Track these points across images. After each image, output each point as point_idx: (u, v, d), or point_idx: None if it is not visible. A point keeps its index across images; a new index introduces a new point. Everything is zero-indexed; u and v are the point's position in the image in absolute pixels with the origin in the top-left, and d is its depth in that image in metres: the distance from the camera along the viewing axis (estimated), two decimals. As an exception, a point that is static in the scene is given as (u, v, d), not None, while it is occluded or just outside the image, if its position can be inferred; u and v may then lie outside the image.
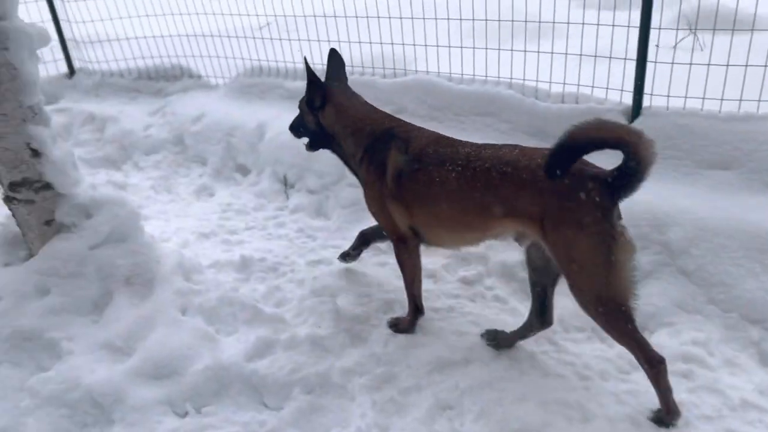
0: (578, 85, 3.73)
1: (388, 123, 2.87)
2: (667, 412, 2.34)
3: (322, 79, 2.98)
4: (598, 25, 3.58)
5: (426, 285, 3.20)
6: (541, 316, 2.66)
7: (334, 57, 3.07)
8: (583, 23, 3.61)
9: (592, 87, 3.70)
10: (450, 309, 3.05)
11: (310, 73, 2.90)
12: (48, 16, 5.90)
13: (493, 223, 2.47)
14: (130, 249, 3.04)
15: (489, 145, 2.58)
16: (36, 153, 2.87)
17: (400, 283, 3.23)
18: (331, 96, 2.94)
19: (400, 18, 4.36)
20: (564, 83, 3.77)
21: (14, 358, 2.72)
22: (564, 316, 2.93)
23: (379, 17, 4.47)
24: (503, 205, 2.40)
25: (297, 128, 3.15)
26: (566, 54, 3.73)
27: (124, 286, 2.97)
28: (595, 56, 3.63)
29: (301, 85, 4.72)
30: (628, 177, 2.14)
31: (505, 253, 3.31)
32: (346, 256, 3.35)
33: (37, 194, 2.93)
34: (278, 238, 3.75)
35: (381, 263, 3.45)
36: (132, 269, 3.01)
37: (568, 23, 3.70)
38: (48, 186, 2.93)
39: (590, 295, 2.30)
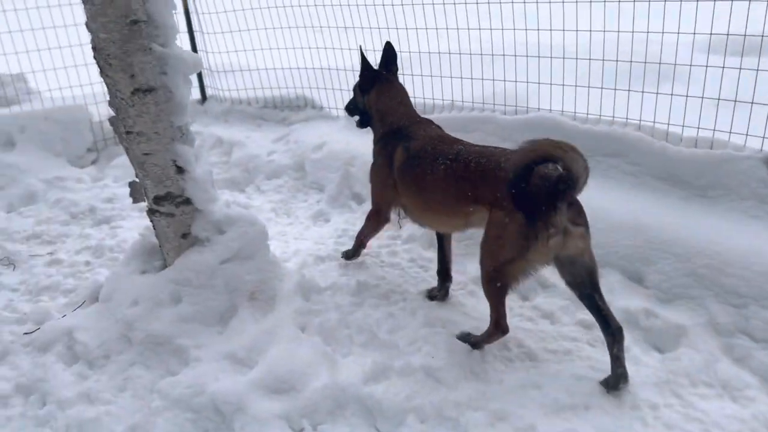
0: (714, 130, 3.57)
1: (406, 121, 3.36)
2: (470, 340, 2.93)
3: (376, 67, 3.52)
4: (740, 69, 3.42)
5: (543, 326, 3.15)
6: (605, 324, 2.74)
7: (389, 50, 3.57)
8: (723, 67, 3.47)
9: (730, 133, 3.53)
10: (567, 352, 2.95)
11: (364, 62, 3.49)
12: (188, 46, 6.39)
13: (473, 208, 2.89)
14: (256, 266, 3.19)
15: (473, 145, 3.10)
16: (180, 170, 3.08)
17: (512, 320, 3.19)
18: (377, 83, 3.49)
19: (526, 56, 4.37)
20: (698, 128, 3.61)
21: (147, 360, 2.90)
22: (690, 370, 2.77)
23: (504, 55, 4.50)
24: (473, 193, 2.85)
25: (350, 108, 3.77)
26: (702, 98, 3.59)
27: (248, 301, 3.10)
28: (735, 101, 3.46)
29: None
30: (563, 185, 2.49)
31: (628, 299, 3.19)
32: (433, 297, 3.38)
33: (178, 208, 3.13)
34: (391, 266, 3.79)
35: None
36: (257, 285, 3.15)
37: (706, 66, 3.56)
38: (188, 201, 3.13)
39: (489, 263, 2.78)
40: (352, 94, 4.03)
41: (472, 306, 3.33)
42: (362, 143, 4.93)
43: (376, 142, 3.50)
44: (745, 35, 3.38)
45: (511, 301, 3.35)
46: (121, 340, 3.00)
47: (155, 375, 2.83)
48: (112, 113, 3.04)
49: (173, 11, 2.96)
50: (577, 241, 2.66)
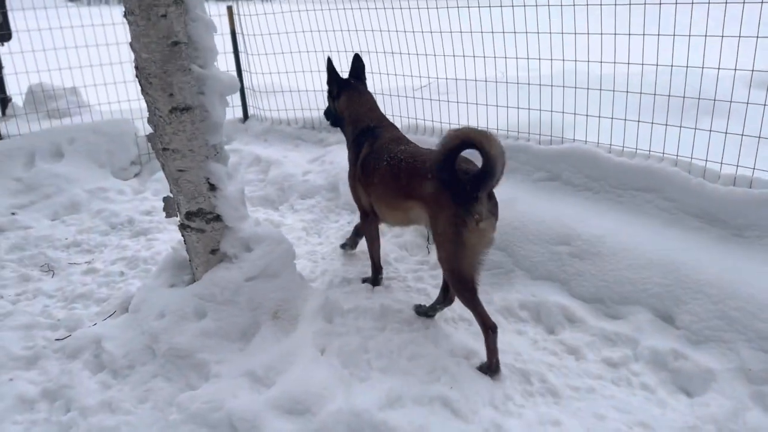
0: (754, 168, 3.47)
1: (374, 123, 3.60)
2: (488, 367, 2.96)
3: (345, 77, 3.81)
4: (782, 106, 3.33)
5: (567, 361, 3.08)
6: (444, 292, 3.26)
7: (357, 61, 3.84)
8: (765, 104, 3.38)
9: (770, 172, 3.43)
10: (591, 389, 2.88)
11: (330, 70, 3.79)
12: (233, 66, 6.56)
13: (409, 204, 3.14)
14: (281, 284, 3.22)
15: (418, 147, 3.35)
16: (213, 187, 3.15)
17: (536, 353, 3.14)
18: (345, 90, 3.76)
19: (563, 86, 4.34)
20: (737, 165, 3.52)
21: (168, 373, 2.95)
22: (718, 417, 2.67)
23: (540, 85, 4.49)
24: (413, 190, 3.07)
25: (326, 113, 4.03)
26: (742, 135, 3.50)
27: (271, 319, 3.13)
28: (776, 139, 3.38)
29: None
30: (484, 173, 2.72)
31: (657, 339, 3.10)
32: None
33: (208, 224, 3.20)
34: (417, 291, 3.78)
35: (518, 331, 3.37)
36: (280, 304, 3.18)
37: (747, 103, 3.48)
38: (218, 218, 3.19)
39: (445, 265, 3.00)
40: (406, 123, 4.22)
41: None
42: (396, 167, 4.96)
43: (349, 146, 3.74)
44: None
45: (536, 334, 3.32)
46: (145, 351, 3.06)
47: (175, 388, 2.87)
48: (151, 130, 3.14)
49: (214, 34, 3.05)
50: (493, 230, 2.95)
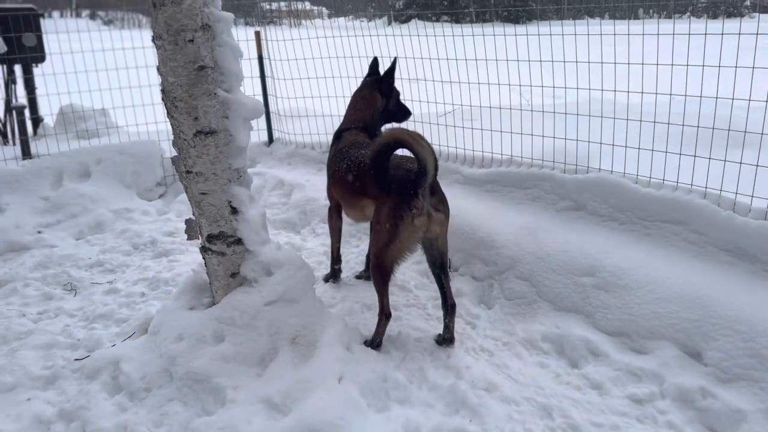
0: (786, 202, 3.38)
1: (347, 125, 3.94)
2: (371, 342, 3.30)
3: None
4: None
5: (590, 397, 3.00)
6: (443, 299, 3.40)
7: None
8: (797, 136, 3.31)
9: (803, 206, 3.34)
10: (614, 427, 2.79)
11: (373, 65, 4.09)
12: (260, 90, 6.64)
13: (363, 201, 3.44)
14: (300, 310, 3.20)
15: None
16: (234, 211, 3.16)
17: (558, 387, 3.06)
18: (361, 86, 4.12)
19: (589, 115, 4.31)
20: (768, 198, 3.44)
21: (185, 397, 2.92)
22: None
23: (566, 113, 4.46)
24: (364, 189, 3.37)
25: None
26: (773, 167, 3.42)
27: (289, 345, 3.10)
28: (809, 173, 3.29)
29: (477, 171, 4.81)
30: (418, 171, 3.01)
31: (683, 376, 3.00)
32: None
33: (229, 248, 3.20)
34: (437, 320, 3.72)
35: (541, 364, 3.29)
36: (299, 330, 3.15)
37: (778, 135, 3.41)
38: (239, 241, 3.19)
39: (374, 250, 3.29)
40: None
41: (517, 369, 3.22)
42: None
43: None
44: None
45: (559, 368, 3.23)
46: (163, 374, 3.05)
47: (191, 413, 2.84)
48: (176, 153, 3.16)
49: (240, 59, 3.09)
50: (437, 225, 3.19)
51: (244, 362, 3.00)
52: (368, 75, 4.11)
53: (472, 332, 3.58)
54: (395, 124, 4.05)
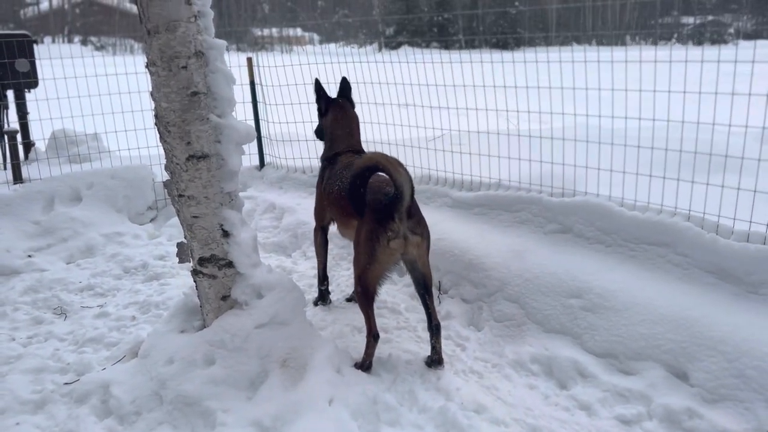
0: (767, 225, 3.45)
1: (343, 149, 3.98)
2: (362, 365, 3.33)
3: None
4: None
5: (578, 417, 3.02)
6: (429, 320, 3.43)
7: (345, 83, 4.19)
8: (776, 160, 3.40)
9: (784, 228, 3.41)
10: (603, 448, 2.82)
11: (318, 88, 4.19)
12: (251, 115, 6.72)
13: (353, 222, 3.48)
14: (290, 332, 3.21)
15: None
16: (226, 234, 3.19)
17: (547, 408, 3.08)
18: (331, 107, 4.13)
19: (575, 140, 4.40)
20: (750, 222, 3.51)
21: (175, 420, 2.92)
22: None
23: (552, 138, 4.54)
24: (347, 209, 3.46)
25: (317, 130, 4.34)
26: (755, 191, 3.50)
27: (279, 368, 3.11)
28: (789, 196, 3.37)
29: (466, 195, 4.87)
30: (394, 196, 3.10)
31: (670, 396, 3.04)
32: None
33: (220, 270, 3.22)
34: (426, 342, 3.73)
35: (530, 385, 3.31)
36: (289, 352, 3.16)
37: (759, 159, 3.50)
38: (230, 264, 3.22)
39: (356, 272, 3.32)
40: (419, 173, 4.38)
41: (507, 390, 3.24)
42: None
43: (321, 159, 4.18)
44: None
45: (548, 389, 3.26)
46: (153, 397, 3.04)
47: (181, 436, 2.84)
48: (168, 176, 3.20)
49: (232, 85, 3.15)
50: (414, 247, 3.25)
51: (234, 385, 3.01)
52: (339, 95, 4.18)
53: (462, 354, 3.61)
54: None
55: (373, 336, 3.36)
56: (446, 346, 3.69)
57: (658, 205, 3.91)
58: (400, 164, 3.07)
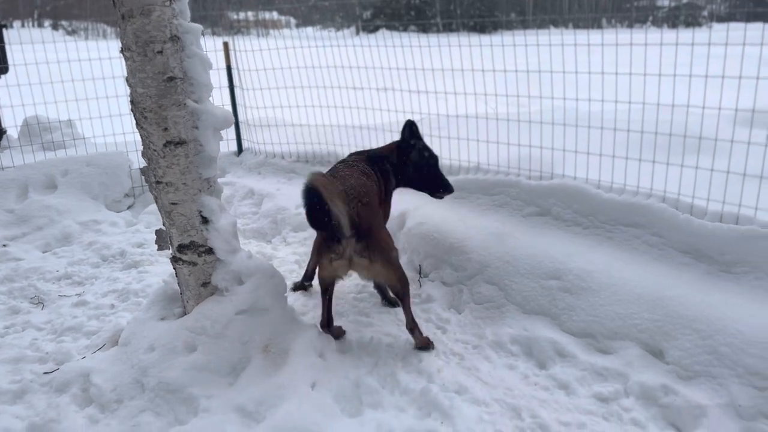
0: (740, 205, 3.53)
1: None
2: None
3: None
4: (766, 145, 3.41)
5: (558, 396, 3.08)
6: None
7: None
8: (749, 142, 3.46)
9: (756, 209, 3.48)
10: (581, 425, 2.87)
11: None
12: (228, 100, 6.65)
13: None
14: (271, 318, 3.22)
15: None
16: (205, 220, 3.17)
17: (527, 388, 3.12)
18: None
19: (552, 123, 4.43)
20: (723, 202, 3.58)
21: (157, 407, 2.92)
22: None
23: (530, 122, 4.57)
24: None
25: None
26: (728, 172, 3.56)
27: (261, 353, 3.12)
28: (761, 177, 3.44)
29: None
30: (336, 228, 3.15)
31: (646, 374, 3.10)
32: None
33: (200, 257, 3.21)
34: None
35: (510, 366, 3.35)
36: (271, 338, 3.17)
37: (732, 141, 3.56)
38: (210, 251, 3.20)
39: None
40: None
41: (487, 371, 3.28)
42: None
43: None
44: (771, 112, 3.39)
45: (527, 369, 3.31)
46: (134, 385, 3.04)
47: (164, 423, 2.84)
48: (145, 163, 3.17)
49: (209, 69, 3.11)
50: (362, 269, 3.36)
51: (216, 371, 3.01)
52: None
53: (443, 336, 3.64)
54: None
55: (320, 324, 3.51)
56: (427, 329, 3.73)
57: (634, 187, 3.97)
58: (338, 196, 3.05)
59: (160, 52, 2.88)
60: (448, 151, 5.00)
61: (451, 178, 4.86)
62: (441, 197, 4.09)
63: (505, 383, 3.17)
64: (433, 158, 4.07)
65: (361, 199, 3.32)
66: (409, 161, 3.99)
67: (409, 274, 4.30)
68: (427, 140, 5.23)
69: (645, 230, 3.76)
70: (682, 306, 3.26)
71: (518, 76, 4.52)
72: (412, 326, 3.45)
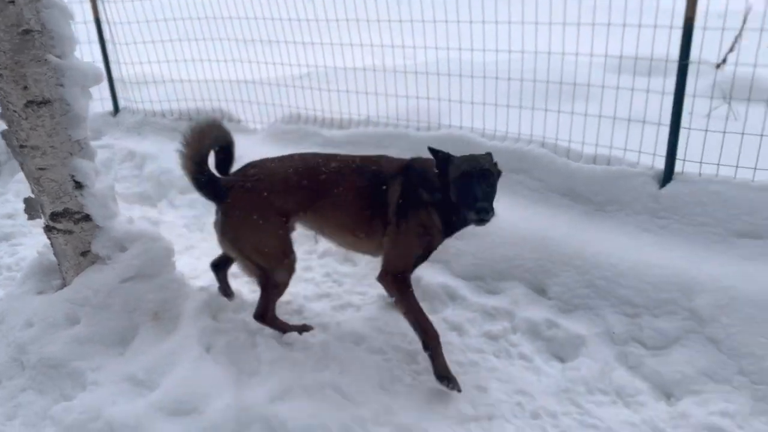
0: (611, 147, 3.76)
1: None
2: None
3: None
4: (632, 90, 3.62)
5: (449, 338, 3.20)
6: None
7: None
8: (617, 87, 3.67)
9: (625, 150, 3.73)
10: (473, 363, 3.02)
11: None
12: (100, 57, 6.18)
13: None
14: (159, 284, 3.09)
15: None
16: (79, 185, 2.97)
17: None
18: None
19: (437, 74, 4.48)
20: (596, 145, 3.80)
21: (40, 385, 2.76)
22: (588, 379, 2.89)
23: (416, 73, 4.60)
24: None
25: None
26: (600, 116, 3.77)
27: (151, 321, 3.01)
28: (629, 120, 3.67)
29: (337, 133, 4.85)
30: None
31: (531, 310, 3.30)
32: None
33: (77, 225, 3.01)
34: (305, 281, 3.77)
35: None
36: (160, 304, 3.06)
37: (603, 86, 3.76)
38: (87, 218, 3.01)
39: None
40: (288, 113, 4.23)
41: (383, 320, 3.34)
42: (278, 157, 4.91)
43: None
44: (636, 57, 3.60)
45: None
46: (12, 364, 2.85)
47: (48, 400, 2.69)
48: (5, 126, 2.90)
49: (71, 21, 2.86)
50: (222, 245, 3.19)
51: (102, 342, 2.88)
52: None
53: (339, 289, 3.67)
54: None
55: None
56: (324, 284, 3.75)
57: (516, 134, 4.12)
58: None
59: (12, 2, 2.61)
60: (338, 104, 4.95)
61: (341, 132, 4.84)
62: None
63: (401, 330, 3.24)
64: None
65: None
66: None
67: (304, 231, 4.29)
68: (315, 94, 5.16)
69: (527, 175, 3.93)
70: (561, 245, 3.46)
71: (403, 27, 4.51)
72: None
